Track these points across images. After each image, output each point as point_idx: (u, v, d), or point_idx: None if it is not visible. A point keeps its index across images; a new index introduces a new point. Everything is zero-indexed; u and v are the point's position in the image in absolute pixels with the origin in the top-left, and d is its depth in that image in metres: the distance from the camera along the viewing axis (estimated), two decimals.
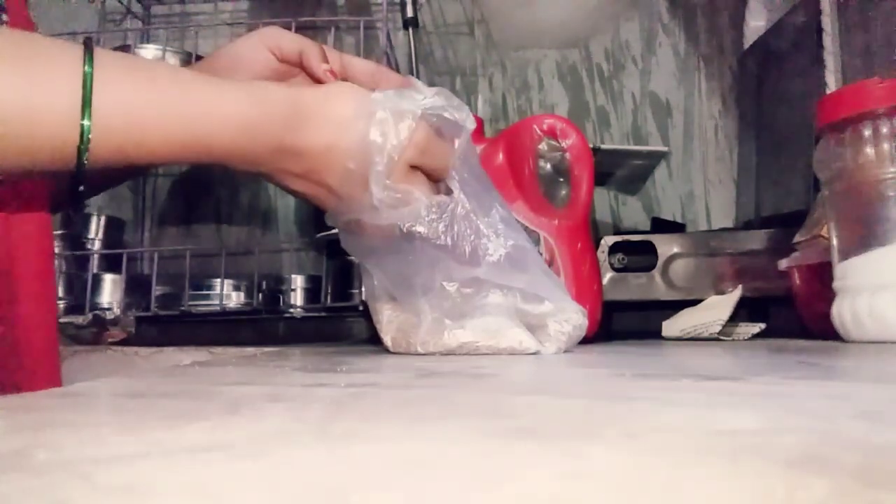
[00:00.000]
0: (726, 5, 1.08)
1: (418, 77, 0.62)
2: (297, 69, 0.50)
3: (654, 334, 0.69)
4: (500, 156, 0.59)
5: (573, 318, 0.46)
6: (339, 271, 0.91)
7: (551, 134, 0.61)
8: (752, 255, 0.75)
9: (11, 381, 0.40)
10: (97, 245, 0.97)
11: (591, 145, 0.64)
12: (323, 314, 0.97)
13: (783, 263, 0.64)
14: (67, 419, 0.20)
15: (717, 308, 0.65)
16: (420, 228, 0.42)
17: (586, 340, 0.49)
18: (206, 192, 1.12)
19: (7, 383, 0.40)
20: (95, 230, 0.97)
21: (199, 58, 0.81)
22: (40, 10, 0.98)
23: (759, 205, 0.95)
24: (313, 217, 1.11)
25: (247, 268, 1.01)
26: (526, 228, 0.56)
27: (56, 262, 0.90)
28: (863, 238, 0.50)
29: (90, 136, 0.33)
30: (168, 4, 1.13)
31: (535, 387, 0.29)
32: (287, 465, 0.14)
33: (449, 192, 0.44)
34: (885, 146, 0.49)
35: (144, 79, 0.35)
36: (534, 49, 1.12)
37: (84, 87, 0.32)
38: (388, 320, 0.48)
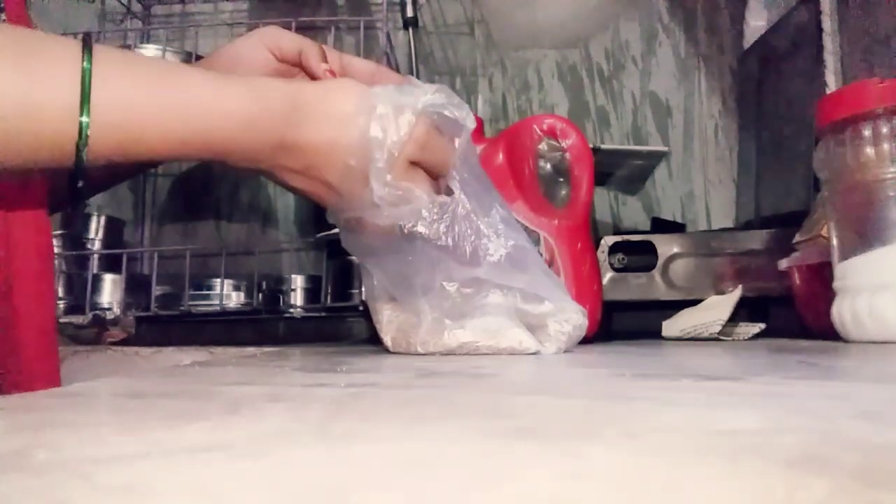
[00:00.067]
0: (726, 5, 1.08)
1: (418, 77, 0.62)
2: (296, 69, 0.50)
3: (654, 334, 0.69)
4: (500, 156, 0.59)
5: (573, 318, 0.46)
6: (339, 271, 0.91)
7: (551, 134, 0.61)
8: (752, 255, 0.75)
9: (10, 381, 0.40)
10: (97, 245, 0.97)
11: (591, 145, 0.64)
12: (323, 314, 0.97)
13: (783, 263, 0.64)
14: (67, 419, 0.20)
15: (717, 308, 0.65)
16: (421, 228, 0.42)
17: (586, 340, 0.49)
18: (206, 191, 1.12)
19: (6, 383, 0.40)
20: (95, 230, 0.97)
21: (198, 58, 0.81)
22: (40, 10, 0.98)
23: (759, 205, 0.95)
24: (313, 217, 1.11)
25: (247, 268, 1.01)
26: (526, 228, 0.56)
27: (56, 262, 0.90)
28: (863, 238, 0.50)
29: (89, 132, 0.33)
30: (168, 4, 1.13)
31: (535, 387, 0.29)
32: (287, 465, 0.14)
33: (450, 192, 0.44)
34: (885, 146, 0.49)
35: (143, 75, 0.35)
36: (534, 49, 1.12)
37: (83, 83, 0.32)
38: (388, 320, 0.48)
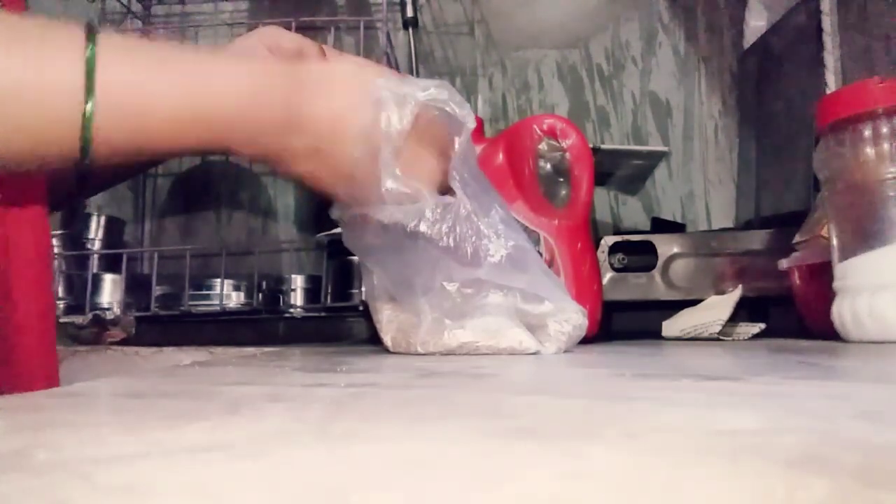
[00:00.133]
0: (726, 5, 1.08)
1: (418, 77, 0.62)
2: None
3: (654, 334, 0.69)
4: (500, 156, 0.59)
5: (573, 318, 0.46)
6: (339, 271, 0.91)
7: (551, 134, 0.61)
8: (752, 255, 0.75)
9: (8, 381, 0.40)
10: (97, 245, 0.97)
11: (591, 145, 0.64)
12: (323, 314, 0.97)
13: (783, 263, 0.64)
14: (67, 419, 0.20)
15: (717, 308, 0.65)
16: (423, 228, 0.42)
17: (586, 340, 0.49)
18: (206, 191, 1.12)
19: (4, 383, 0.40)
20: (95, 230, 0.97)
21: None
22: (40, 9, 0.98)
23: (759, 205, 0.95)
24: (313, 217, 1.11)
25: (247, 268, 1.01)
26: (526, 228, 0.56)
27: (56, 262, 0.90)
28: (863, 238, 0.50)
29: (94, 117, 0.32)
30: (168, 4, 1.13)
31: (535, 387, 0.29)
32: (287, 465, 0.14)
33: (451, 192, 0.44)
34: (885, 146, 0.49)
35: (146, 57, 0.35)
36: (534, 49, 1.12)
37: (87, 67, 0.32)
38: (388, 320, 0.48)
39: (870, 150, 0.50)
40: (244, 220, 1.12)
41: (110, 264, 0.94)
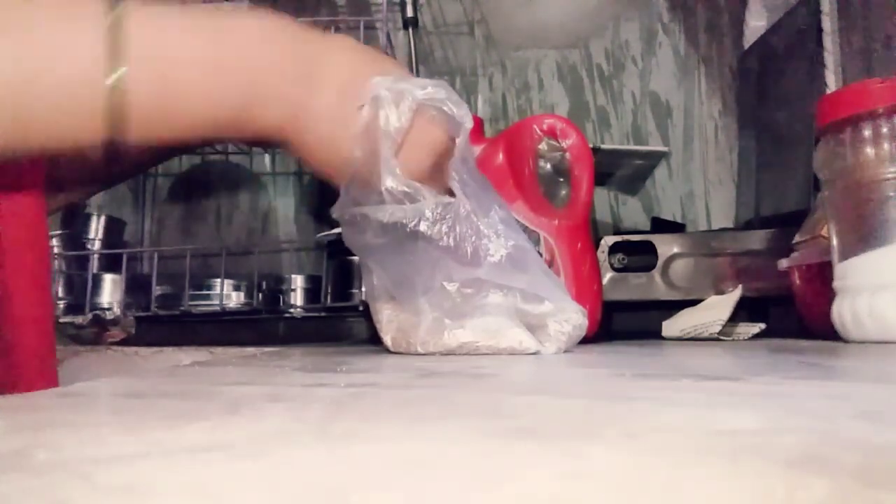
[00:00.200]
0: (726, 5, 1.08)
1: (418, 77, 0.62)
2: None
3: (654, 334, 0.69)
4: (500, 156, 0.59)
5: (573, 318, 0.46)
6: (339, 271, 0.91)
7: (551, 134, 0.61)
8: (752, 255, 0.75)
9: (6, 381, 0.40)
10: (97, 245, 0.97)
11: (591, 145, 0.64)
12: (323, 314, 0.97)
13: (783, 263, 0.64)
14: (67, 419, 0.20)
15: (717, 308, 0.65)
16: (423, 228, 0.42)
17: (586, 340, 0.49)
18: (206, 191, 1.12)
19: (2, 383, 0.39)
20: (95, 230, 0.97)
21: None
22: None
23: (759, 205, 0.95)
24: (313, 217, 1.11)
25: (247, 268, 1.01)
26: (526, 228, 0.56)
27: (56, 262, 0.90)
28: (863, 238, 0.50)
29: (124, 87, 0.32)
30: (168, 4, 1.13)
31: (535, 387, 0.29)
32: (287, 465, 0.14)
33: (451, 192, 0.44)
34: (885, 146, 0.49)
35: (170, 18, 0.35)
36: (534, 49, 1.12)
37: (112, 38, 0.32)
38: (388, 320, 0.48)
39: (870, 150, 0.50)
40: (244, 220, 1.12)
41: (110, 264, 0.94)
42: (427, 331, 0.45)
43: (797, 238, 0.64)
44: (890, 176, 0.49)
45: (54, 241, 0.91)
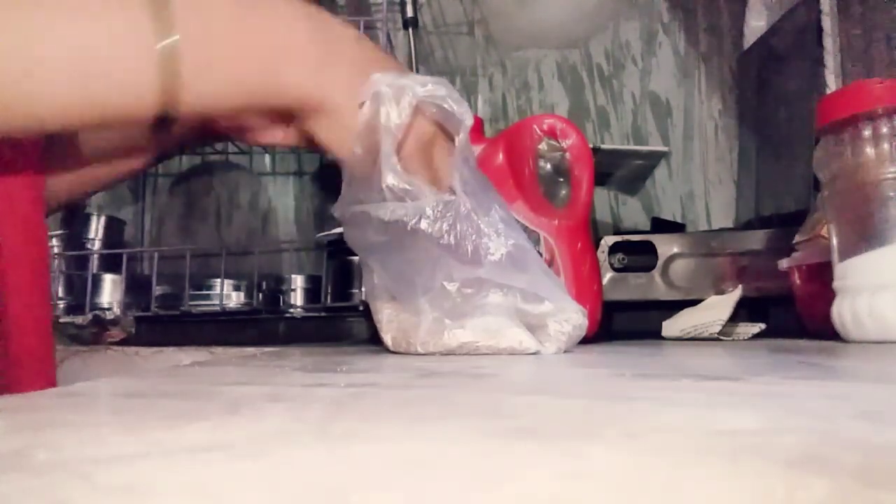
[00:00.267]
0: (726, 5, 1.08)
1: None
2: None
3: (654, 334, 0.69)
4: (500, 156, 0.59)
5: (573, 318, 0.46)
6: (339, 271, 0.91)
7: (551, 134, 0.61)
8: (752, 255, 0.75)
9: (5, 382, 0.40)
10: (97, 245, 0.97)
11: (591, 145, 0.64)
12: (323, 314, 0.97)
13: (783, 263, 0.64)
14: (67, 419, 0.20)
15: (717, 308, 0.65)
16: (424, 225, 0.42)
17: (586, 340, 0.49)
18: (206, 191, 1.12)
19: (1, 385, 0.39)
20: (95, 230, 0.97)
21: None
22: None
23: (759, 205, 0.95)
24: (313, 217, 1.11)
25: (247, 268, 1.01)
26: (526, 228, 0.56)
27: (56, 261, 0.90)
28: (863, 238, 0.50)
29: (174, 57, 0.34)
30: None
31: (535, 387, 0.29)
32: (287, 465, 0.14)
33: (451, 191, 0.44)
34: (885, 146, 0.49)
35: None
36: (534, 49, 1.12)
37: (159, 15, 0.33)
38: (388, 319, 0.48)
39: (870, 150, 0.50)
40: (244, 220, 1.12)
41: (110, 264, 0.94)
42: (427, 331, 0.45)
43: (797, 238, 0.64)
44: (890, 176, 0.49)
45: (54, 241, 0.91)
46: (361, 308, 0.85)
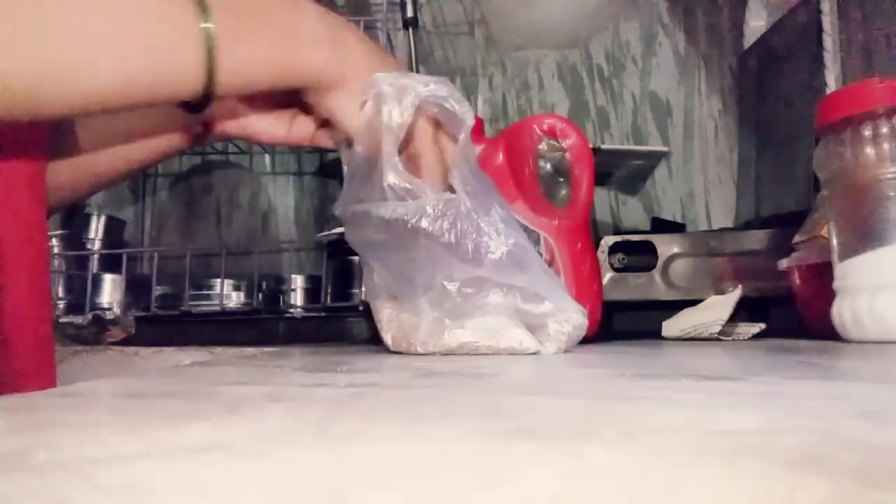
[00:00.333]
0: (726, 5, 1.08)
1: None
2: None
3: (654, 334, 0.69)
4: (500, 156, 0.59)
5: (573, 318, 0.46)
6: (339, 271, 0.91)
7: (551, 134, 0.61)
8: (752, 255, 0.75)
9: (4, 382, 0.40)
10: (97, 245, 0.97)
11: (591, 145, 0.64)
12: (323, 314, 0.97)
13: (783, 263, 0.64)
14: (67, 419, 0.20)
15: (717, 308, 0.65)
16: (424, 224, 0.42)
17: (586, 340, 0.49)
18: (206, 191, 1.12)
19: (0, 385, 0.39)
20: (95, 230, 0.97)
21: None
22: None
23: (759, 205, 0.95)
24: (313, 217, 1.11)
25: (247, 268, 1.01)
26: (526, 228, 0.56)
27: (56, 261, 0.90)
28: (863, 238, 0.50)
29: (213, 36, 0.36)
30: None
31: (535, 387, 0.29)
32: (287, 465, 0.14)
33: (452, 190, 0.44)
34: (885, 146, 0.49)
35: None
36: (534, 49, 1.12)
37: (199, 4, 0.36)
38: (388, 319, 0.48)
39: (870, 150, 0.50)
40: (244, 220, 1.12)
41: (110, 264, 0.94)
42: (427, 331, 0.45)
43: (797, 238, 0.64)
44: (890, 176, 0.49)
45: (54, 241, 0.91)
46: (361, 308, 0.85)
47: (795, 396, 0.23)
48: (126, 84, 0.35)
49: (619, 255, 0.77)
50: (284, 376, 0.33)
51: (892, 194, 0.49)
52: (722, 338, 0.63)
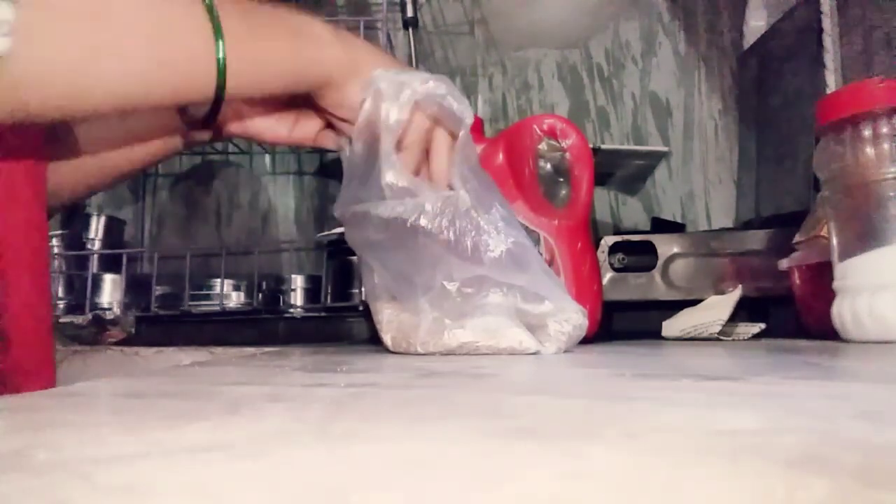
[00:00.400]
0: (726, 5, 1.08)
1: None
2: None
3: (654, 334, 0.69)
4: (500, 156, 0.59)
5: (573, 318, 0.46)
6: (339, 271, 0.91)
7: (551, 134, 0.61)
8: (752, 255, 0.75)
9: (3, 382, 0.40)
10: (97, 245, 0.97)
11: (591, 145, 0.64)
12: (323, 314, 0.97)
13: (783, 263, 0.64)
14: (67, 419, 0.20)
15: (717, 308, 0.65)
16: (423, 222, 0.42)
17: (586, 340, 0.49)
18: (206, 191, 1.12)
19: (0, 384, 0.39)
20: (95, 230, 0.97)
21: None
22: None
23: (759, 205, 0.95)
24: (313, 217, 1.11)
25: (247, 268, 1.01)
26: (526, 228, 0.56)
27: (56, 261, 0.90)
28: (863, 238, 0.50)
29: (225, 62, 0.37)
30: None
31: (535, 387, 0.29)
32: (287, 465, 0.14)
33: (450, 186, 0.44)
34: (885, 146, 0.49)
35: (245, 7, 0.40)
36: (534, 49, 1.12)
37: (211, 15, 0.37)
38: (388, 319, 0.48)
39: (870, 150, 0.50)
40: (244, 220, 1.12)
41: (110, 264, 0.94)
42: (427, 331, 0.44)
43: (797, 238, 0.64)
44: (890, 176, 0.49)
45: (54, 241, 0.91)
46: (361, 308, 0.85)
47: (795, 396, 0.23)
48: (143, 85, 0.36)
49: (619, 255, 0.77)
50: (284, 376, 0.33)
51: (892, 194, 0.49)
52: (722, 338, 0.63)
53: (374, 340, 0.65)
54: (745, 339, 0.63)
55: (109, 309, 0.88)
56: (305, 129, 0.48)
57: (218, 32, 0.37)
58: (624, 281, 0.77)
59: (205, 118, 0.44)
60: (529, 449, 0.15)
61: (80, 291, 0.89)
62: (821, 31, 0.74)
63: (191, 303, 0.91)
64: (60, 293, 0.90)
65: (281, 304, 0.96)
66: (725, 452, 0.14)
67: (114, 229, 1.00)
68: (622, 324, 0.83)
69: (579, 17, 1.11)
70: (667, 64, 1.09)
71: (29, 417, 0.21)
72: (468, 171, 0.45)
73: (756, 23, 0.99)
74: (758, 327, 0.65)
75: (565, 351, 0.46)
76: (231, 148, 1.08)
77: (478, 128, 0.68)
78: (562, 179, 0.62)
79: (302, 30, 0.42)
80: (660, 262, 0.76)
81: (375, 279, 0.47)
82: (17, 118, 0.34)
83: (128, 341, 0.81)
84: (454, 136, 0.45)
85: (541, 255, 0.55)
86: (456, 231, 0.43)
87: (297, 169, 1.12)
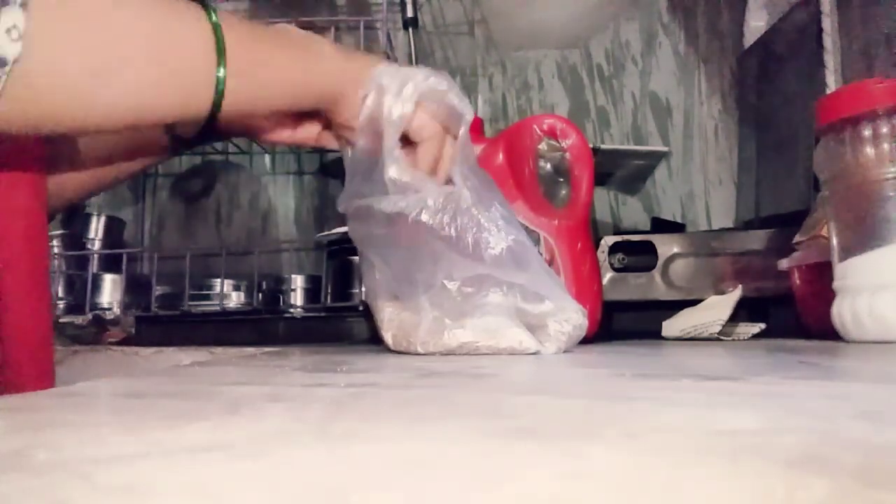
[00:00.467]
0: (726, 5, 1.08)
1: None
2: None
3: (654, 334, 0.69)
4: (500, 156, 0.59)
5: (573, 317, 0.46)
6: (339, 271, 0.91)
7: (551, 134, 0.61)
8: (752, 255, 0.75)
9: (3, 380, 0.40)
10: (97, 245, 0.97)
11: (591, 145, 0.64)
12: (323, 314, 0.97)
13: (783, 263, 0.64)
14: (67, 419, 0.20)
15: (717, 308, 0.65)
16: (425, 217, 0.42)
17: (586, 340, 0.49)
18: (206, 192, 1.12)
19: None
20: (95, 230, 0.97)
21: None
22: None
23: (759, 205, 0.95)
24: (313, 217, 1.11)
25: (247, 268, 1.01)
26: (526, 228, 0.56)
27: (56, 261, 0.90)
28: (863, 238, 0.50)
29: (225, 76, 0.37)
30: None
31: (535, 387, 0.29)
32: (287, 465, 0.14)
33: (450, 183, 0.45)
34: (885, 146, 0.49)
35: (252, 27, 0.40)
36: (534, 49, 1.12)
37: (216, 35, 0.37)
38: (389, 318, 0.48)
39: (870, 150, 0.50)
40: (244, 220, 1.12)
41: (110, 264, 0.94)
42: (427, 330, 0.45)
43: (797, 238, 0.64)
44: (890, 176, 0.49)
45: (54, 241, 0.91)
46: (361, 308, 0.85)
47: (795, 396, 0.23)
48: (147, 100, 0.36)
49: (619, 255, 0.77)
50: (284, 376, 0.33)
51: (892, 194, 0.49)
52: (722, 338, 0.63)
53: (374, 340, 0.66)
54: (745, 339, 0.63)
55: (109, 309, 0.88)
56: (308, 128, 0.48)
57: (220, 54, 0.37)
58: (624, 281, 0.77)
59: (193, 136, 0.43)
60: (529, 449, 0.15)
61: (80, 291, 0.89)
62: (821, 31, 0.74)
63: (191, 303, 0.91)
64: (60, 293, 0.90)
65: (281, 304, 0.96)
66: (725, 452, 0.14)
67: (114, 229, 1.00)
68: (622, 324, 0.83)
69: (579, 17, 1.11)
70: (667, 64, 1.09)
71: (29, 417, 0.21)
72: (468, 168, 0.45)
73: (756, 23, 0.99)
74: (758, 327, 0.65)
75: (565, 351, 0.46)
76: (231, 148, 1.08)
77: (478, 128, 0.69)
78: (562, 179, 0.62)
79: (310, 48, 0.42)
80: (660, 262, 0.76)
81: (377, 276, 0.47)
82: (29, 125, 0.33)
83: (128, 341, 0.81)
84: (452, 134, 0.45)
85: (541, 255, 0.55)
86: (457, 227, 0.43)
87: (297, 169, 1.12)
